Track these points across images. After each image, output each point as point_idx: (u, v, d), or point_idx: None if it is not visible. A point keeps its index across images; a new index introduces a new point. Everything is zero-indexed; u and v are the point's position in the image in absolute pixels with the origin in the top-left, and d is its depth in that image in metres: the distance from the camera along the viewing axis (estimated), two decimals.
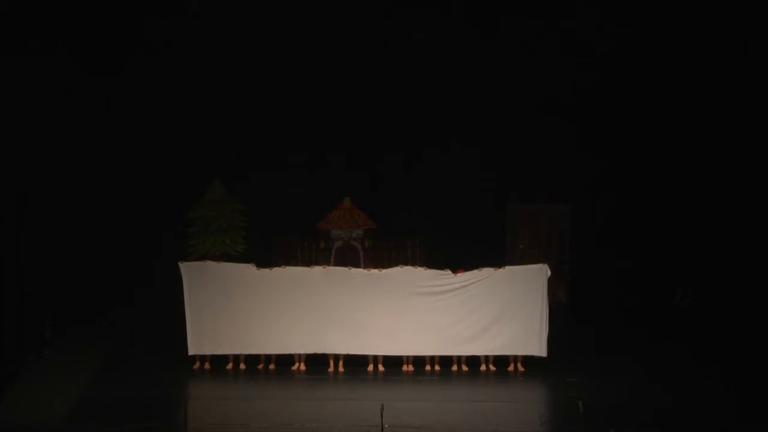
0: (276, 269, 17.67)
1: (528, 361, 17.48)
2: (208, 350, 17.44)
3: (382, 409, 13.35)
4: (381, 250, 22.04)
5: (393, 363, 17.46)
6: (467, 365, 17.52)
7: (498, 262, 17.95)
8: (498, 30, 22.01)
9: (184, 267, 17.59)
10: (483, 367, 17.48)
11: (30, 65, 18.97)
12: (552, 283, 17.70)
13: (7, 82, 18.04)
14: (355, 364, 17.44)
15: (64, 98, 20.34)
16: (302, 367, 17.48)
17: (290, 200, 22.28)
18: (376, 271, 17.68)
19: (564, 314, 20.77)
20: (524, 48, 22.09)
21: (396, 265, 18.19)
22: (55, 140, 20.16)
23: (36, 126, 19.39)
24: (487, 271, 17.40)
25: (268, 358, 17.55)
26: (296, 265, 19.36)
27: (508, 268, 17.67)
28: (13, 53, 18.28)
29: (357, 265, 19.93)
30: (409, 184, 22.58)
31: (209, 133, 22.02)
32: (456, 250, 20.69)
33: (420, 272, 17.53)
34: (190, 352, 17.33)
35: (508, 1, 21.77)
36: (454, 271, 17.45)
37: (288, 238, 22.29)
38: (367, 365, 17.50)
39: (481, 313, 17.29)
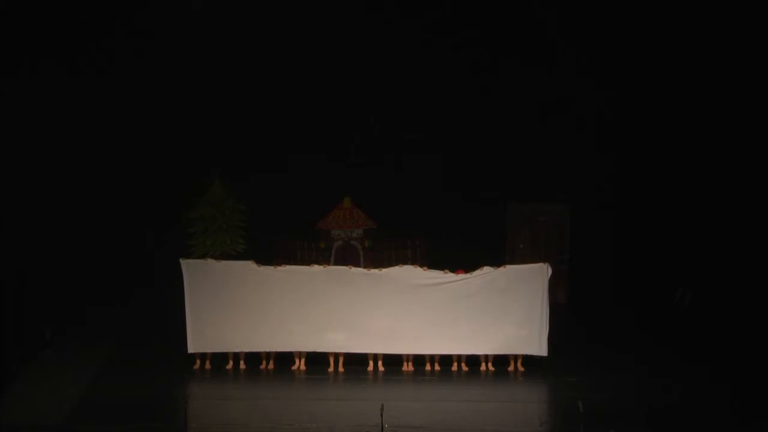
0: (276, 267, 17.66)
1: (528, 361, 17.48)
2: (208, 348, 17.43)
3: (382, 409, 13.35)
4: (381, 250, 22.06)
5: (393, 362, 17.46)
6: (467, 365, 17.52)
7: (498, 262, 17.94)
8: (498, 31, 22.07)
9: (185, 264, 17.59)
10: (483, 367, 17.48)
11: (30, 64, 19.01)
12: (552, 283, 17.68)
13: (7, 82, 18.06)
14: (355, 363, 17.44)
15: (65, 98, 20.38)
16: (302, 366, 17.48)
17: (290, 200, 22.29)
18: (376, 270, 17.69)
19: (564, 314, 20.76)
20: (523, 48, 22.14)
21: (396, 264, 18.19)
22: (56, 140, 20.21)
23: (37, 126, 19.43)
24: (487, 270, 17.40)
25: (268, 356, 17.55)
26: (296, 264, 19.33)
27: (509, 267, 17.66)
28: (13, 52, 18.31)
29: (357, 265, 19.92)
30: (409, 184, 22.58)
31: (209, 134, 22.04)
32: (456, 250, 20.70)
33: (420, 272, 17.52)
34: (190, 350, 17.33)
35: (509, 4, 21.84)
36: (454, 271, 17.44)
37: (288, 238, 22.30)
38: (367, 365, 17.50)
39: (481, 312, 17.28)
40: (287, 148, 22.46)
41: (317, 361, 17.46)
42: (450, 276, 17.36)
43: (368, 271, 17.73)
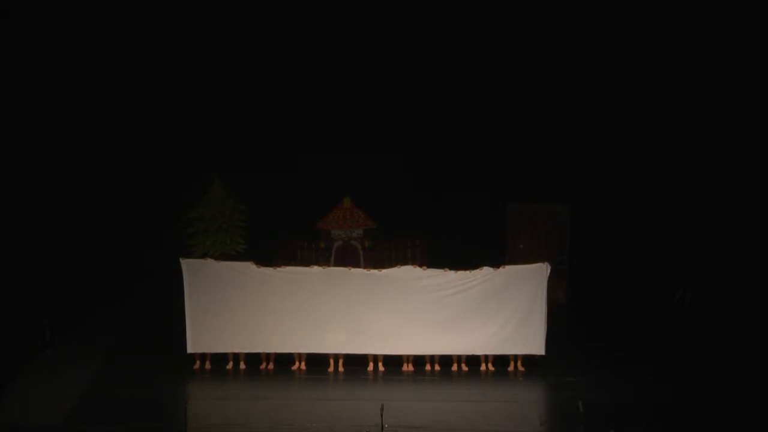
0: (276, 268, 17.67)
1: (528, 361, 17.48)
2: (207, 348, 17.43)
3: (382, 409, 13.36)
4: (381, 250, 22.04)
5: (393, 363, 17.46)
6: (467, 365, 17.52)
7: (498, 262, 17.94)
8: (498, 31, 22.08)
9: (185, 264, 17.60)
10: (483, 367, 17.49)
11: (30, 65, 19.02)
12: (552, 284, 17.69)
13: (7, 82, 18.08)
14: (355, 364, 17.45)
15: (67, 98, 20.39)
16: (302, 367, 17.49)
17: (290, 200, 22.28)
18: (375, 271, 17.70)
19: (564, 314, 20.76)
20: (523, 48, 22.14)
21: (396, 265, 18.19)
22: (56, 141, 20.21)
23: (37, 126, 19.44)
24: (486, 271, 17.40)
25: (268, 356, 17.55)
26: (296, 265, 19.35)
27: (508, 267, 17.66)
28: (13, 53, 18.32)
29: (357, 265, 19.95)
30: (409, 184, 22.58)
31: (210, 134, 22.04)
32: (456, 250, 20.68)
33: (419, 272, 17.52)
34: (189, 350, 17.34)
35: (508, 5, 21.85)
36: (454, 270, 17.43)
37: (288, 238, 22.29)
38: (367, 365, 17.51)
39: (480, 312, 17.28)
40: (287, 148, 22.45)
41: (317, 361, 17.47)
42: (450, 276, 17.35)
43: (368, 272, 17.75)
